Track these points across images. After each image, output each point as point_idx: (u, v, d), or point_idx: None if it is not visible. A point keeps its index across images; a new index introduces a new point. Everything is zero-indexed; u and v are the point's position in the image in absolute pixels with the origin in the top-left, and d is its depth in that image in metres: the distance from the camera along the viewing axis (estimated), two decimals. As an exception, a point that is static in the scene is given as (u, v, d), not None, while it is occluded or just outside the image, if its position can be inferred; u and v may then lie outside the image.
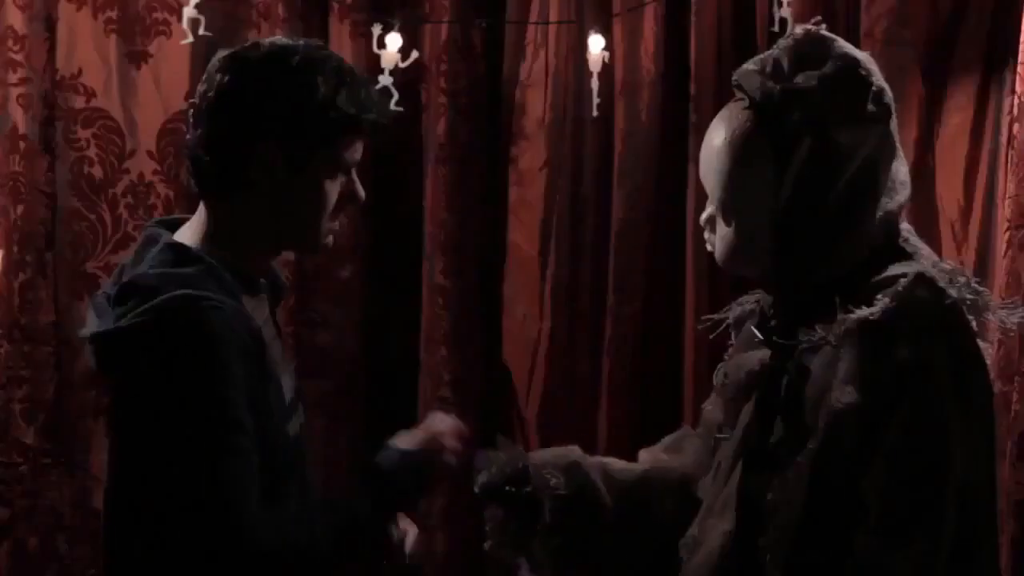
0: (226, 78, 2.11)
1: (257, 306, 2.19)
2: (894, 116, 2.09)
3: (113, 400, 2.13)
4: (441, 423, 2.29)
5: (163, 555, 2.03)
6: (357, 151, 2.18)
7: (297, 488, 2.14)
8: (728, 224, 2.11)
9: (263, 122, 2.10)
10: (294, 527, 2.04)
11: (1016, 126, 3.41)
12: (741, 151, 2.07)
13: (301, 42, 2.18)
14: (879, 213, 2.07)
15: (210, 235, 2.15)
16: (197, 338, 2.00)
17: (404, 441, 2.22)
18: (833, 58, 2.06)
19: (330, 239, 2.21)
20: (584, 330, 4.27)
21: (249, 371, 2.04)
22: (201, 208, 2.19)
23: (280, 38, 2.23)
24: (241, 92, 2.10)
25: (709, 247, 2.17)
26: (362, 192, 2.21)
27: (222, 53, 2.17)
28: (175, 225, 2.21)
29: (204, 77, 2.15)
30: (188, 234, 2.17)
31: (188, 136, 2.18)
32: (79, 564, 4.07)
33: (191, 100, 2.17)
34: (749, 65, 2.10)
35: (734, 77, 2.11)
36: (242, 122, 2.10)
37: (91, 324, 2.12)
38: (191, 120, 2.17)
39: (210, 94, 2.11)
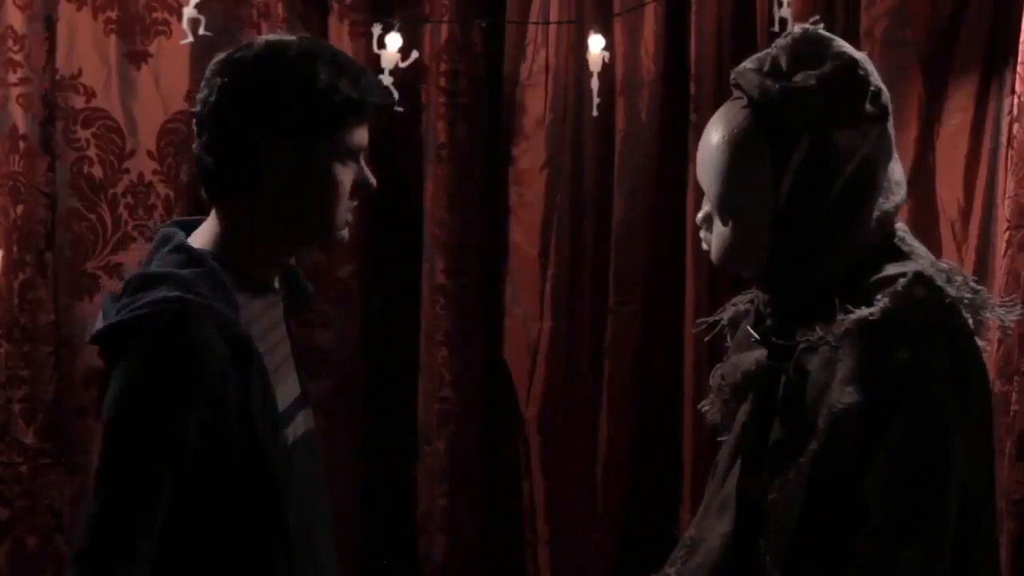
0: (225, 79, 2.11)
1: (266, 310, 2.18)
2: (891, 116, 2.09)
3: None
4: None
5: None
6: (363, 136, 2.17)
7: (288, 496, 2.12)
8: (725, 223, 2.11)
9: (268, 116, 2.10)
10: None
11: (1016, 126, 3.42)
12: (739, 150, 2.06)
13: (294, 37, 2.19)
14: (876, 213, 2.07)
15: (222, 238, 2.15)
16: (164, 348, 2.01)
17: None
18: (832, 57, 2.06)
19: (345, 232, 2.20)
20: (584, 330, 4.28)
21: (220, 382, 2.02)
22: (212, 214, 2.19)
23: (272, 35, 2.23)
24: (242, 90, 2.10)
25: (705, 246, 2.17)
26: (372, 179, 2.20)
27: (218, 57, 2.17)
28: (193, 226, 2.21)
29: (203, 84, 2.15)
30: (200, 238, 2.17)
31: (194, 146, 2.17)
32: (79, 564, 4.07)
33: (192, 109, 2.16)
34: (747, 64, 2.10)
35: (732, 75, 2.10)
36: (247, 120, 2.10)
37: (97, 324, 2.11)
38: (195, 128, 2.16)
39: (211, 98, 2.11)
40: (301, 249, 2.26)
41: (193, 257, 2.10)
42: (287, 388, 2.20)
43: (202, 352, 2.01)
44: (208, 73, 2.15)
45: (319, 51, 2.15)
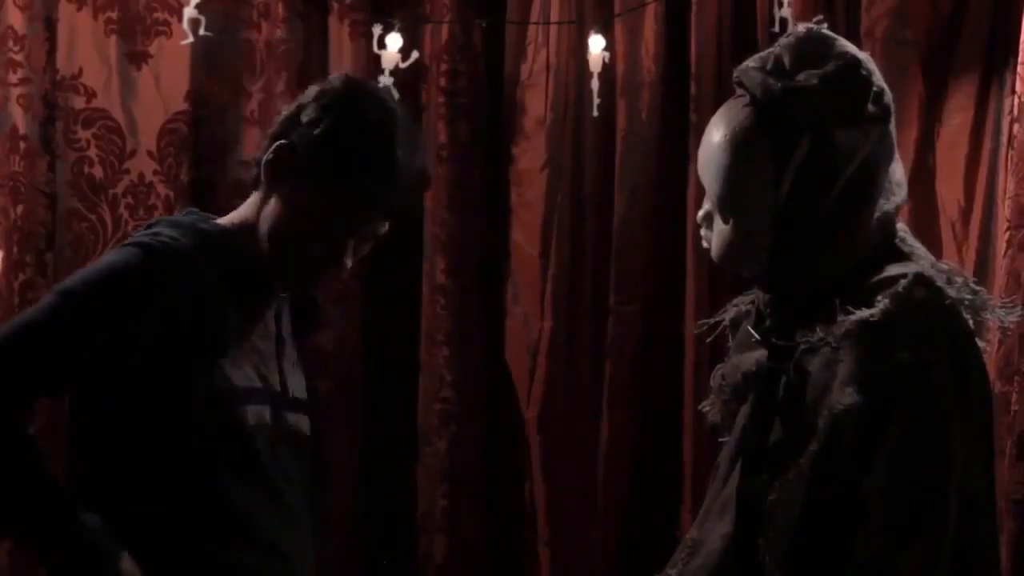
0: (328, 125, 2.19)
1: (255, 296, 2.25)
2: (893, 117, 2.09)
3: None
4: None
5: None
6: (381, 227, 2.25)
7: (234, 477, 2.17)
8: (725, 221, 2.11)
9: (339, 170, 2.18)
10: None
11: (1016, 126, 3.42)
12: (741, 148, 2.06)
13: (395, 99, 2.31)
14: (877, 213, 2.07)
15: (240, 224, 2.26)
16: (144, 257, 2.14)
17: None
18: (835, 57, 2.05)
19: (310, 287, 2.30)
20: (585, 330, 4.28)
21: (173, 318, 2.12)
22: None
23: (380, 87, 2.40)
24: (336, 142, 2.18)
25: (705, 244, 2.17)
26: (349, 262, 2.25)
27: (329, 86, 2.25)
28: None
29: (310, 107, 2.21)
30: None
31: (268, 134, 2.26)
32: (79, 564, 4.06)
33: (283, 114, 2.25)
34: (750, 62, 2.09)
35: (735, 73, 2.10)
36: (320, 163, 2.19)
37: None
38: (280, 126, 2.24)
39: (317, 128, 2.19)
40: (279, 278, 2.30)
41: (200, 215, 2.25)
42: (247, 374, 2.23)
43: (173, 276, 2.13)
44: (315, 99, 2.22)
45: (405, 135, 2.23)
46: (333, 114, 2.20)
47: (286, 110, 2.26)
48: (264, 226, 2.22)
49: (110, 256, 2.20)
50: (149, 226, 2.24)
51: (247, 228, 2.24)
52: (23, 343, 2.10)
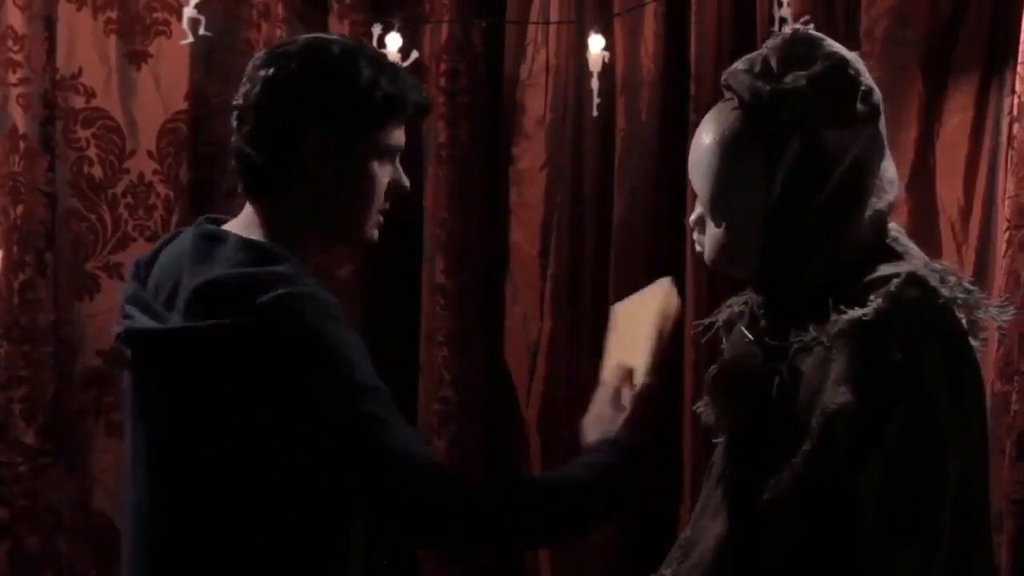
0: (270, 71, 2.12)
1: None
2: (883, 116, 2.09)
3: (170, 399, 2.08)
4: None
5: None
6: (401, 136, 2.18)
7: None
8: (717, 224, 2.11)
9: (311, 109, 2.11)
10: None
11: (1016, 126, 3.41)
12: (730, 151, 2.07)
13: (336, 36, 2.24)
14: (868, 213, 2.07)
15: (264, 234, 2.15)
16: (309, 333, 2.05)
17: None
18: (821, 58, 2.06)
19: (376, 233, 2.21)
20: (584, 330, 4.27)
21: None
22: (248, 209, 2.19)
23: (314, 34, 2.24)
24: (287, 82, 2.11)
25: (699, 248, 2.18)
26: (407, 181, 2.21)
27: (259, 53, 2.19)
28: (220, 224, 2.21)
29: (244, 79, 2.15)
30: (241, 232, 2.17)
31: (233, 138, 2.17)
32: (79, 564, 4.08)
33: (236, 102, 2.16)
34: (738, 65, 2.10)
35: (723, 77, 2.11)
36: (291, 112, 2.11)
37: (140, 321, 2.08)
38: (235, 121, 2.16)
39: (255, 90, 2.12)
40: (330, 248, 2.30)
41: (272, 254, 2.10)
42: None
43: (337, 323, 2.12)
44: (250, 68, 2.15)
45: (361, 49, 2.17)
46: (289, 68, 2.12)
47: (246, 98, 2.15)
48: (301, 218, 2.14)
49: (274, 364, 2.03)
50: (244, 292, 2.03)
51: (276, 232, 2.14)
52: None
